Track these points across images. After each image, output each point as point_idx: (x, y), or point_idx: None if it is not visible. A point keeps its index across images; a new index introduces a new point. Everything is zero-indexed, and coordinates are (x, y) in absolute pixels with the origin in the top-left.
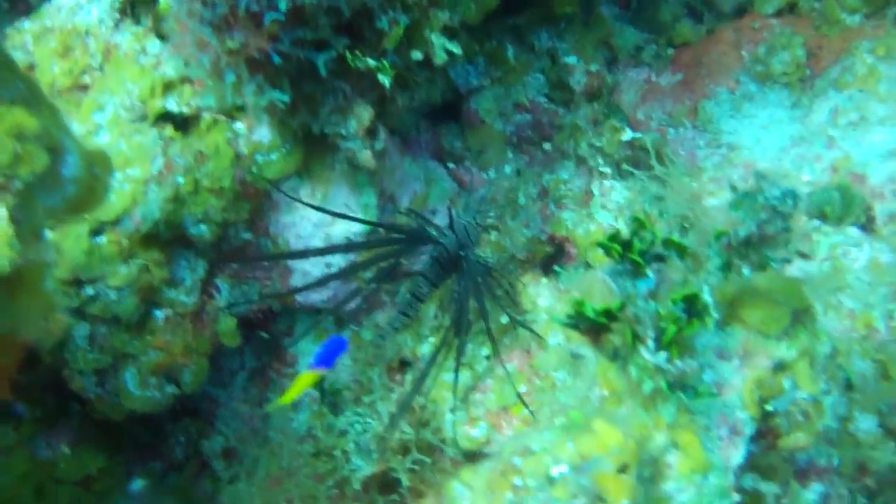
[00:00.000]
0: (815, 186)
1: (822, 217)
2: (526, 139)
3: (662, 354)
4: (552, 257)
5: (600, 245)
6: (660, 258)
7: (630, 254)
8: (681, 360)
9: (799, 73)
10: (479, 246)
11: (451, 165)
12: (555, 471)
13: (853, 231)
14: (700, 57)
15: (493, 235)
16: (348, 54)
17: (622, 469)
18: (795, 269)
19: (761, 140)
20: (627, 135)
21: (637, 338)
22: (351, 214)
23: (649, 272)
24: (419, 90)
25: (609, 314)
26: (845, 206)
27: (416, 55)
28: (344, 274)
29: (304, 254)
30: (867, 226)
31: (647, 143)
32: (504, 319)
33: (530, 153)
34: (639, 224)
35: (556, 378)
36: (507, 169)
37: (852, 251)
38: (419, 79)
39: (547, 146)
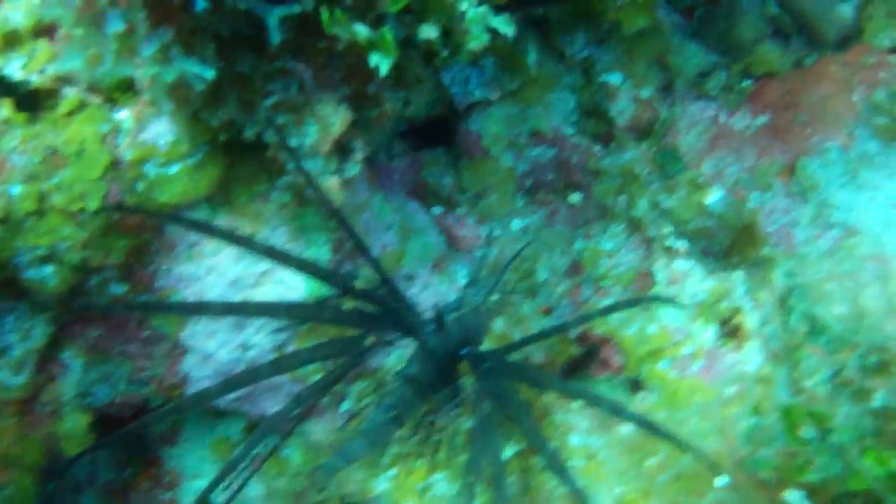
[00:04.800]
0: None
1: None
2: (545, 184)
3: None
4: (579, 362)
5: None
6: None
7: None
8: None
9: None
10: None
11: (436, 210)
12: None
13: None
14: (795, 96)
15: (499, 325)
16: (324, 12)
17: None
18: None
19: (891, 224)
20: (715, 195)
21: None
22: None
23: None
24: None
25: None
26: None
27: (429, 31)
28: (276, 369)
29: (208, 308)
30: None
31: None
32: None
33: (551, 204)
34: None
35: None
36: (516, 224)
37: None
38: (417, 73)
39: (575, 198)
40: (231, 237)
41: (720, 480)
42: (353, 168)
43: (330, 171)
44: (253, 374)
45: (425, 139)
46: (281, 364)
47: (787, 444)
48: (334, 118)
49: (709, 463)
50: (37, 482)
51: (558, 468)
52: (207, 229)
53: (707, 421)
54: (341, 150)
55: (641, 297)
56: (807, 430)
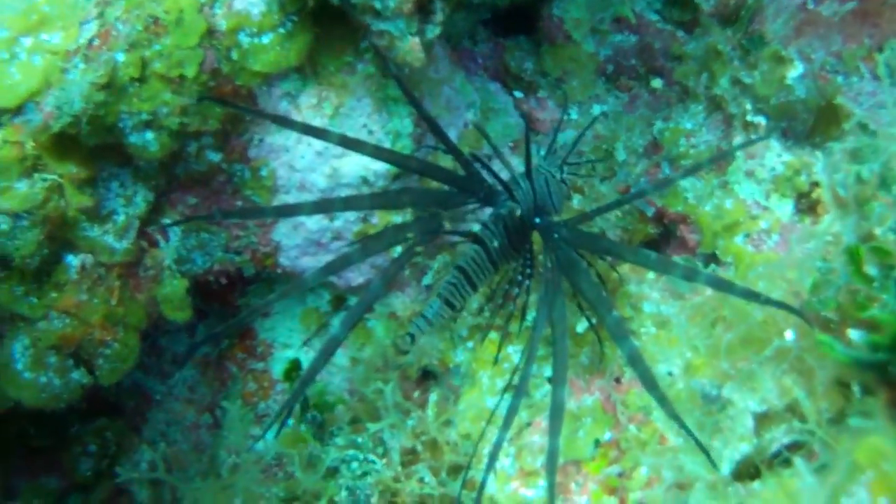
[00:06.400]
0: None
1: None
2: (627, 70)
3: None
4: (656, 242)
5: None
6: None
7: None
8: None
9: None
10: (560, 214)
11: (517, 94)
12: None
13: None
14: None
15: (576, 201)
16: None
17: None
18: None
19: None
20: (797, 70)
21: None
22: (372, 142)
23: None
24: None
25: None
26: None
27: None
28: (366, 253)
29: (292, 210)
30: None
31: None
32: (582, 326)
33: (632, 90)
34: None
35: (670, 427)
36: (597, 108)
37: None
38: None
39: (657, 83)
40: (307, 128)
41: (787, 336)
42: (434, 29)
43: (411, 32)
44: (345, 260)
45: (508, 27)
46: (369, 247)
47: (850, 282)
48: None
49: (778, 312)
50: (139, 342)
51: (621, 334)
52: (285, 121)
53: (774, 281)
54: (422, 9)
55: (713, 156)
56: (870, 268)
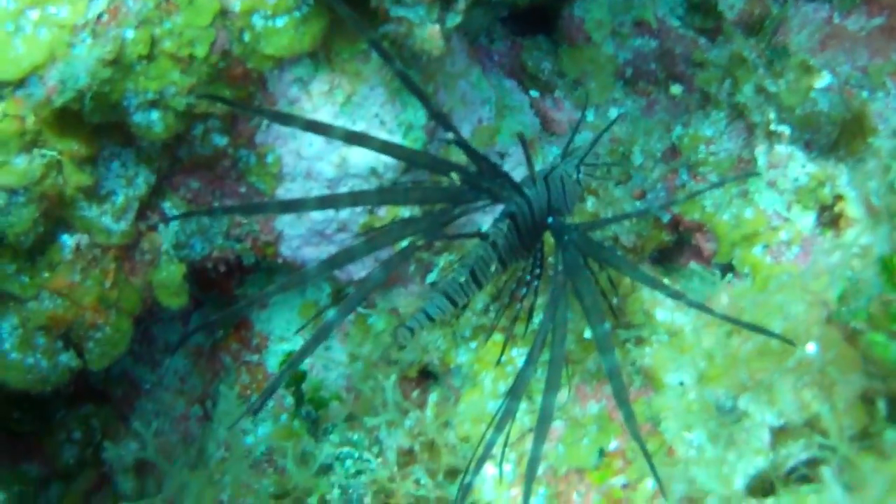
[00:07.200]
0: None
1: None
2: (646, 74)
3: None
4: (670, 250)
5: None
6: None
7: None
8: None
9: None
10: (572, 214)
11: (534, 93)
12: None
13: None
14: None
15: (590, 204)
16: None
17: None
18: None
19: None
20: (825, 80)
21: None
22: (382, 136)
23: None
24: None
25: None
26: None
27: None
28: (371, 247)
29: (296, 206)
30: None
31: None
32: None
33: (650, 95)
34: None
35: (680, 439)
36: (614, 112)
37: None
38: None
39: (676, 89)
40: (311, 125)
41: (809, 349)
42: (455, 18)
43: (431, 19)
44: (349, 254)
45: (526, 26)
46: (374, 242)
47: (884, 292)
48: None
49: (787, 338)
50: (132, 327)
51: (607, 347)
52: (288, 118)
53: (796, 292)
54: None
55: (735, 176)
56: None
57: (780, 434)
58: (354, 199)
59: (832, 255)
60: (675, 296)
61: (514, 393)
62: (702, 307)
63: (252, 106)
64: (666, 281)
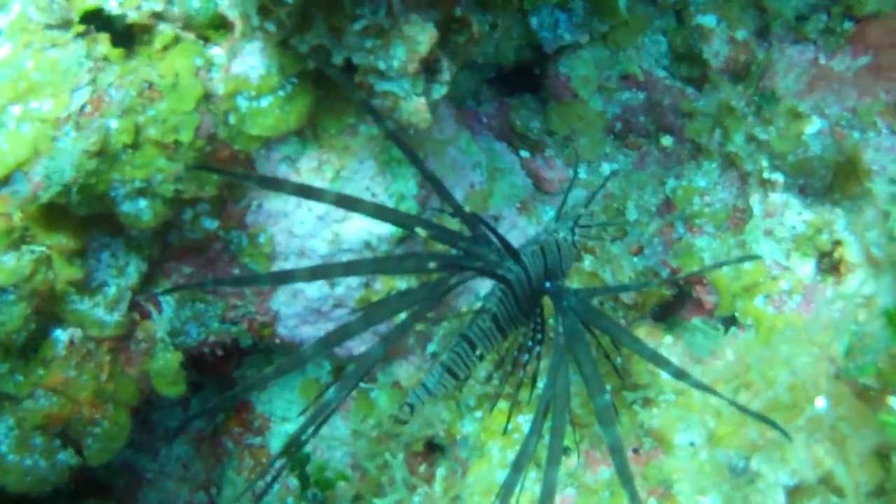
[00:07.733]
0: None
1: None
2: (636, 127)
3: None
4: (671, 304)
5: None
6: None
7: None
8: None
9: None
10: (569, 276)
11: (524, 154)
12: None
13: None
14: None
15: (587, 262)
16: None
17: None
18: None
19: None
20: (815, 126)
21: None
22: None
23: None
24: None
25: None
26: None
27: None
28: (367, 323)
29: (289, 277)
30: None
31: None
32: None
33: (641, 148)
34: None
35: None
36: (606, 167)
37: None
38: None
39: (667, 140)
40: (304, 190)
41: (819, 404)
42: (440, 89)
43: (417, 92)
44: (346, 331)
45: (513, 87)
46: (371, 316)
47: (891, 347)
48: (422, 36)
49: (807, 377)
50: (130, 420)
51: (608, 420)
52: (281, 185)
53: (801, 345)
54: (429, 71)
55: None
56: None
57: (795, 493)
58: (347, 268)
59: (835, 305)
60: (679, 375)
61: (517, 466)
62: (706, 388)
63: (244, 172)
64: (669, 338)
